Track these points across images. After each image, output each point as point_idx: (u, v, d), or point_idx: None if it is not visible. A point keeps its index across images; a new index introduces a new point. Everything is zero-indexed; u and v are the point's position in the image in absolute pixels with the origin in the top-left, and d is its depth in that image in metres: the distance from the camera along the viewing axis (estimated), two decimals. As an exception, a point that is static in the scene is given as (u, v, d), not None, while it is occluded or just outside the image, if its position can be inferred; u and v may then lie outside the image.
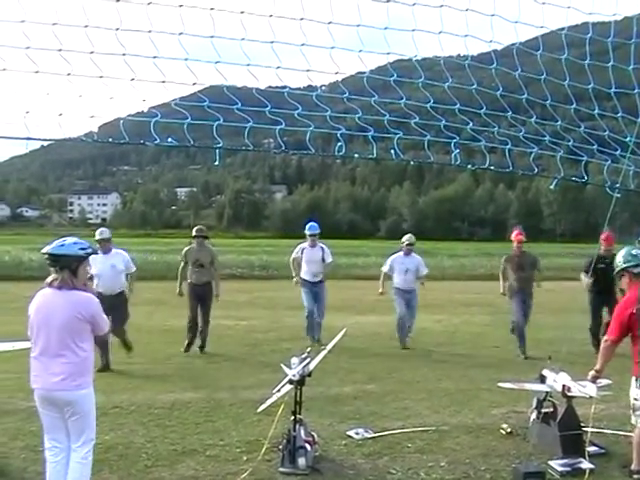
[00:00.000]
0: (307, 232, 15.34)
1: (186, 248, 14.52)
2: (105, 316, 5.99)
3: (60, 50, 4.22)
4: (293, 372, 7.53)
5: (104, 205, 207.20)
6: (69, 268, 5.74)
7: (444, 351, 14.65)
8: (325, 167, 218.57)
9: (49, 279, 5.86)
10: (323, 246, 15.51)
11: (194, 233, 14.33)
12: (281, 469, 7.33)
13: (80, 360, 5.72)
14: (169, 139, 3.94)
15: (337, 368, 11.74)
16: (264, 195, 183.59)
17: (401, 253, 15.53)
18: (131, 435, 8.45)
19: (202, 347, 13.86)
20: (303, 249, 15.37)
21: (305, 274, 15.22)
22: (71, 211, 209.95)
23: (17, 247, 50.01)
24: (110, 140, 4.22)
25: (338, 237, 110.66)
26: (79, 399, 5.72)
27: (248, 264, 37.28)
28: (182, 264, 14.41)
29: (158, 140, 3.88)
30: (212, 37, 4.54)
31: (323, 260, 15.24)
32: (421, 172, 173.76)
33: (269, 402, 7.80)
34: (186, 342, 13.75)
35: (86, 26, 4.01)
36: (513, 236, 14.02)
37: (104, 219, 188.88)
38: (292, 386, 7.56)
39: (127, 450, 7.89)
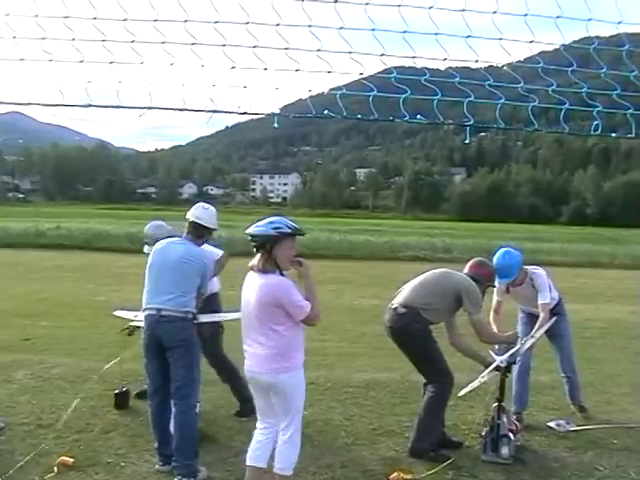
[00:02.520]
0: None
1: None
2: (302, 301, 5.54)
3: (278, 24, 4.19)
4: (501, 359, 7.33)
5: (285, 185, 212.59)
6: (263, 249, 5.58)
7: (643, 344, 13.90)
8: (506, 149, 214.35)
9: (251, 261, 5.75)
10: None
11: None
12: (483, 457, 7.14)
13: (275, 344, 5.54)
14: (418, 116, 3.83)
15: (533, 355, 11.35)
16: (443, 177, 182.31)
17: None
18: (329, 412, 8.54)
19: None
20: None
21: None
22: (253, 190, 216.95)
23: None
24: (359, 116, 4.14)
25: (518, 221, 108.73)
26: (278, 382, 5.58)
27: (430, 246, 36.83)
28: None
29: (407, 117, 3.78)
30: (430, 8, 4.32)
31: None
32: (607, 155, 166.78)
33: (471, 387, 7.60)
34: None
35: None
36: None
37: (284, 198, 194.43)
38: (496, 372, 7.37)
39: (326, 426, 7.97)
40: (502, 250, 8.35)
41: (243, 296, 5.76)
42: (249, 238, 5.64)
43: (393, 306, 7.50)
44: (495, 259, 8.22)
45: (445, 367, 7.35)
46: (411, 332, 7.34)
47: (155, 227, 8.31)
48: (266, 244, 5.54)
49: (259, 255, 5.60)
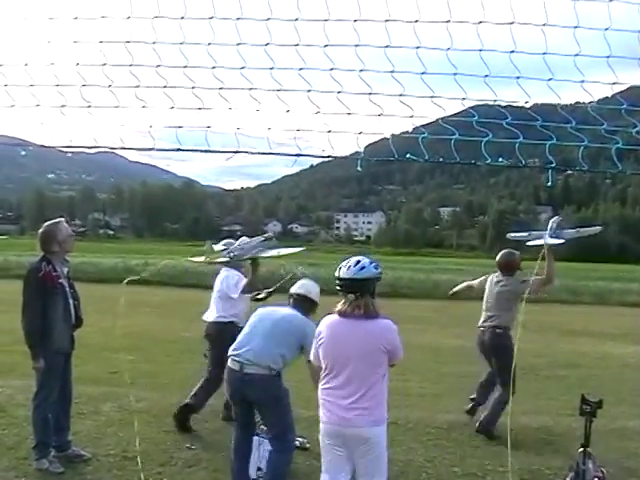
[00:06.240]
0: None
1: None
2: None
3: (362, 70, 4.28)
4: (552, 242, 7.61)
5: (369, 223, 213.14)
6: (367, 292, 5.24)
7: None
8: (593, 187, 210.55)
9: (342, 307, 5.33)
10: None
11: None
12: (568, 502, 7.01)
13: (375, 393, 5.18)
14: (500, 159, 3.85)
15: (619, 400, 11.07)
16: (529, 216, 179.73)
17: None
18: (410, 453, 8.48)
19: None
20: None
21: None
22: (337, 228, 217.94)
23: (290, 262, 52.40)
24: (441, 159, 4.18)
25: (606, 260, 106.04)
26: (374, 436, 5.18)
27: (515, 286, 36.13)
28: None
29: (489, 159, 3.82)
30: (512, 52, 4.33)
31: None
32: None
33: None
34: None
35: (387, 46, 4.04)
36: None
37: (368, 237, 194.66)
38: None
39: (407, 467, 7.92)
40: None
41: (334, 346, 5.34)
42: (350, 282, 5.25)
43: (489, 328, 9.52)
44: None
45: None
46: (507, 347, 9.09)
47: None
48: (370, 287, 5.28)
49: (362, 299, 5.24)
